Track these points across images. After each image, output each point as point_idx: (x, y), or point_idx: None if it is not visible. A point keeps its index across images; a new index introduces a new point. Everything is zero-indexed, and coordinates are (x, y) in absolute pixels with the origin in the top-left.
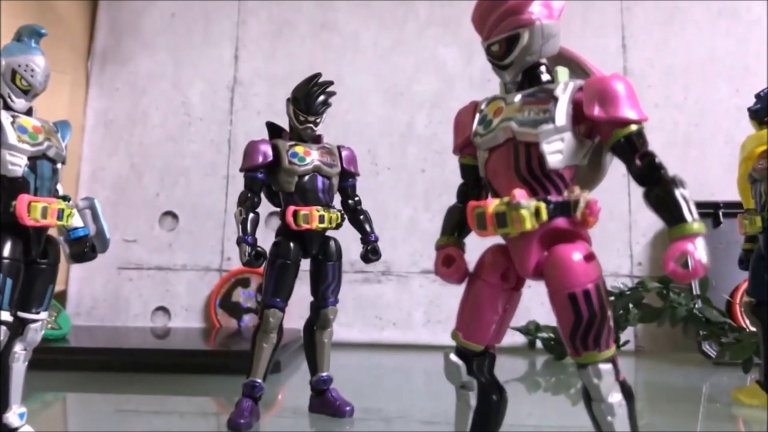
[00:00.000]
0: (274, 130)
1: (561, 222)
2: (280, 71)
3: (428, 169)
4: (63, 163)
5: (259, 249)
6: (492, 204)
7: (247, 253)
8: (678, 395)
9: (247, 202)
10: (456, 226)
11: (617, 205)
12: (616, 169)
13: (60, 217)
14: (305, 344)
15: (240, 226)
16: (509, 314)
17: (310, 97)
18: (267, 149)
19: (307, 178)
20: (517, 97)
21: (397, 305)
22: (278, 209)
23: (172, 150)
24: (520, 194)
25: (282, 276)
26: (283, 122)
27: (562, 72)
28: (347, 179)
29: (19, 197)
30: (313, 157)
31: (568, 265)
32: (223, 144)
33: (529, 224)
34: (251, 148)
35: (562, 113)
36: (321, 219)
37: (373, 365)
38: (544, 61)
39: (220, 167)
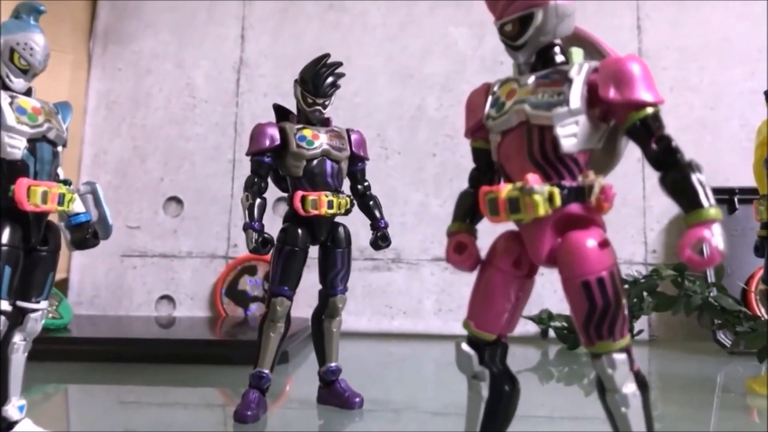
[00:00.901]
0: (281, 112)
1: (575, 208)
2: (286, 52)
3: (439, 153)
4: (64, 145)
5: (266, 235)
6: (504, 189)
7: (254, 240)
8: (692, 385)
9: (254, 187)
10: (468, 211)
11: (631, 191)
12: (630, 154)
13: (61, 202)
14: (313, 334)
15: (247, 212)
16: (522, 302)
17: (318, 79)
18: (274, 132)
19: (315, 162)
20: (531, 79)
21: (408, 293)
22: (286, 194)
23: (176, 133)
24: (533, 179)
25: (290, 263)
26: (291, 104)
27: (577, 53)
28: (356, 163)
29: (18, 181)
30: (321, 140)
31: (582, 252)
32: (228, 127)
33: (543, 210)
34: (258, 132)
35: (576, 95)
36: (330, 204)
37: (382, 355)
38: (558, 41)
39: (225, 151)
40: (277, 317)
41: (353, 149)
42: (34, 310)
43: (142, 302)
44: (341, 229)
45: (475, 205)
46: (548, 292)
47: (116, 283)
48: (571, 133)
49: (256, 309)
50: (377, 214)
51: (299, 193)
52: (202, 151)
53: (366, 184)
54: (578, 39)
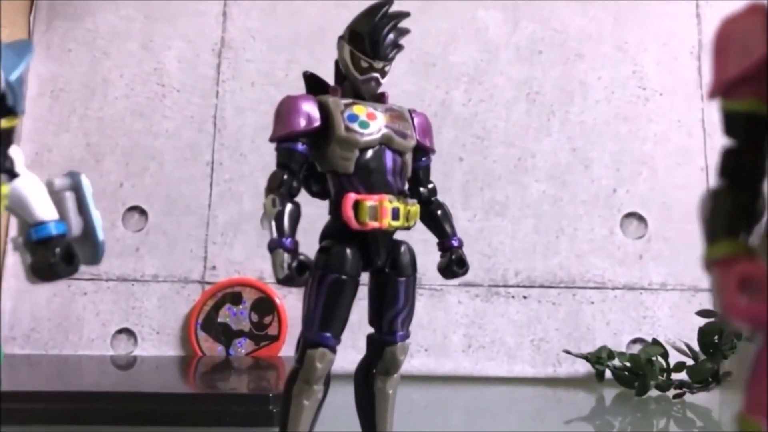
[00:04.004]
0: (315, 84)
1: None
2: (280, 32)
3: (467, 157)
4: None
5: (302, 258)
6: None
7: (285, 265)
8: None
9: (283, 188)
10: (739, 220)
11: None
12: None
13: None
14: (358, 395)
15: (274, 224)
16: None
17: (378, 34)
18: (312, 109)
19: (371, 152)
20: None
21: (430, 326)
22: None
23: (140, 128)
24: None
25: (335, 299)
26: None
27: None
28: (420, 157)
29: None
30: (379, 122)
31: None
32: (206, 121)
33: None
34: (288, 107)
35: None
36: (395, 214)
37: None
38: None
39: (202, 150)
40: (314, 377)
41: (418, 137)
42: None
43: (94, 337)
44: (404, 250)
45: (745, 208)
46: (600, 324)
47: (61, 314)
48: None
49: (241, 347)
50: (448, 228)
51: (351, 197)
52: (173, 150)
53: (431, 186)
54: None
